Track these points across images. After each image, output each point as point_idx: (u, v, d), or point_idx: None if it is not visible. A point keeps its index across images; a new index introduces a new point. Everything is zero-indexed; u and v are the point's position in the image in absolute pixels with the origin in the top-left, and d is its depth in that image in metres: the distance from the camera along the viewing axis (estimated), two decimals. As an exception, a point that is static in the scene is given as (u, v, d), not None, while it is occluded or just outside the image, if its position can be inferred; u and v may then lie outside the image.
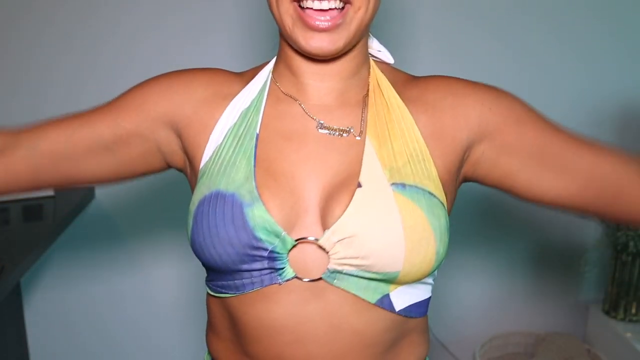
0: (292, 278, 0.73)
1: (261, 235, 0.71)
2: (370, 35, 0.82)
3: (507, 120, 0.78)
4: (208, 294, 0.83)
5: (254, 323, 0.76)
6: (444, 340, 1.99)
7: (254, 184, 0.72)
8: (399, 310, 0.76)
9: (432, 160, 0.77)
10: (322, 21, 0.70)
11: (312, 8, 0.70)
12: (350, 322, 0.75)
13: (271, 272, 0.73)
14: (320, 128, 0.77)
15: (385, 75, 0.81)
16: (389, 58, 0.84)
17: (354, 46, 0.77)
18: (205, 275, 0.83)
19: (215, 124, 0.78)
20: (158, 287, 1.87)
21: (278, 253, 0.72)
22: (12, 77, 1.67)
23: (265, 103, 0.78)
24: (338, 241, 0.71)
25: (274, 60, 0.82)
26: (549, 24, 1.84)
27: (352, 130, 0.77)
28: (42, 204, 1.64)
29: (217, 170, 0.75)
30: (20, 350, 1.75)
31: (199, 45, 1.71)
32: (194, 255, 0.77)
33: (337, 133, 0.77)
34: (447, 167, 0.79)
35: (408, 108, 0.78)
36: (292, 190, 0.74)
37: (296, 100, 0.78)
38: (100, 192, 1.76)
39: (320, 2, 0.70)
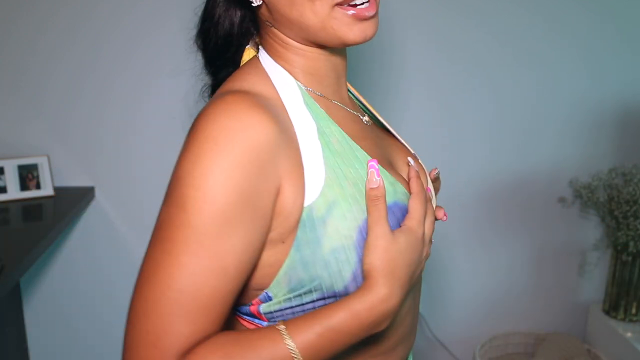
0: None
1: None
2: None
3: None
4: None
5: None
6: (444, 340, 1.99)
7: (402, 186, 0.76)
8: None
9: None
10: (369, 9, 0.70)
11: (355, 4, 0.70)
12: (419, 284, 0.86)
13: None
14: (365, 121, 0.84)
15: None
16: None
17: None
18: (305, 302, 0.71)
19: (300, 159, 0.69)
20: (158, 287, 1.86)
21: None
22: (12, 76, 1.67)
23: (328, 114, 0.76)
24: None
25: (283, 73, 0.76)
26: (550, 24, 1.83)
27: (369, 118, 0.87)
28: (42, 204, 1.64)
29: (356, 191, 0.70)
30: (20, 350, 1.75)
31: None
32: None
33: (370, 122, 0.85)
34: None
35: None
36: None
37: (333, 101, 0.80)
38: (100, 192, 1.76)
39: None
